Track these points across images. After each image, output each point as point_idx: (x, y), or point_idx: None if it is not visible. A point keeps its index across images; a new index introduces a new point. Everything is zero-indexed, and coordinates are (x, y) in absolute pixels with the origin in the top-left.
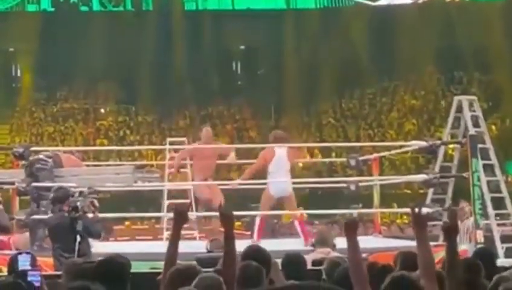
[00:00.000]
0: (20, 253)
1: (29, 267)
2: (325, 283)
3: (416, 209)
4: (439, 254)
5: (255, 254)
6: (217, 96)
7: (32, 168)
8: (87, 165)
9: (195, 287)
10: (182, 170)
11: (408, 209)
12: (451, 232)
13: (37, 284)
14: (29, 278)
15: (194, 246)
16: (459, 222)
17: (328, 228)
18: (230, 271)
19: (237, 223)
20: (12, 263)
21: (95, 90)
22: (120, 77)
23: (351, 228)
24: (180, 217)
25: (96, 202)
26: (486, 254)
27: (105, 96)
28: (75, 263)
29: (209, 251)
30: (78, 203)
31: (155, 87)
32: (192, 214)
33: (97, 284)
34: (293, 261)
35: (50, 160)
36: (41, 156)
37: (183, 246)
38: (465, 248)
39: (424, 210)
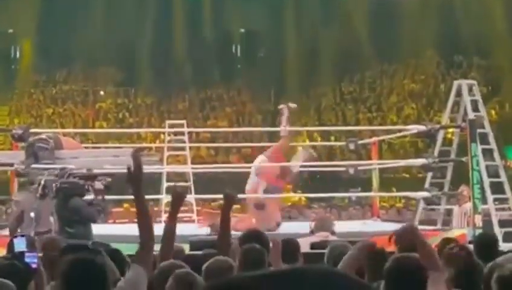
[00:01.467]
0: (15, 236)
1: (25, 249)
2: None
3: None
4: (437, 239)
5: (254, 237)
6: (216, 79)
7: (33, 147)
8: (86, 148)
9: (208, 269)
10: (181, 152)
11: (407, 193)
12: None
13: (34, 265)
14: (26, 260)
15: (191, 229)
16: (457, 206)
17: (326, 214)
18: (225, 253)
19: (237, 206)
20: (9, 246)
21: (95, 73)
22: (119, 59)
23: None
24: (177, 199)
25: (99, 185)
26: (488, 240)
27: (104, 79)
28: (53, 240)
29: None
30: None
31: (154, 70)
32: (191, 197)
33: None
34: (288, 247)
35: (51, 140)
36: (43, 136)
37: (181, 229)
38: (464, 232)
39: (423, 194)
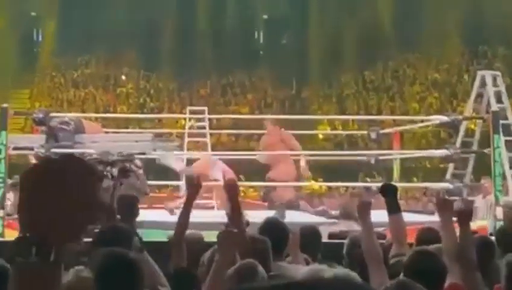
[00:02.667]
0: None
1: None
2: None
3: (441, 195)
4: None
5: (273, 226)
6: (238, 65)
7: (53, 131)
8: (107, 132)
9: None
10: (202, 139)
11: (428, 184)
12: (464, 218)
13: None
14: None
15: (211, 215)
16: (480, 197)
17: (352, 201)
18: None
19: (255, 194)
20: None
21: (116, 57)
22: (142, 43)
23: (363, 209)
24: (192, 188)
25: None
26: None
27: (126, 63)
28: None
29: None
30: None
31: (176, 55)
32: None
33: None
34: (308, 235)
35: (72, 123)
36: (64, 120)
37: (201, 215)
38: (486, 223)
39: (444, 185)
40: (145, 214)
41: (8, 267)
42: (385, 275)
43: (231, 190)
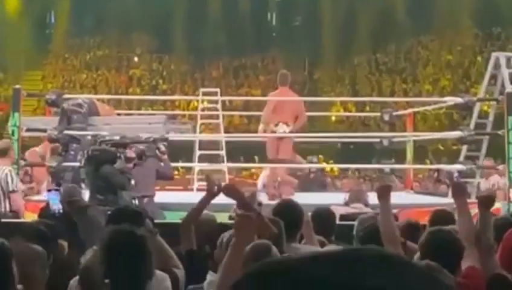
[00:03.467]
0: (50, 190)
1: (59, 205)
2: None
3: (455, 179)
4: (473, 210)
5: (287, 208)
6: (251, 47)
7: (66, 113)
8: (119, 114)
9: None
10: (214, 121)
11: (441, 166)
12: (486, 203)
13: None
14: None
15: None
16: (483, 180)
17: (360, 185)
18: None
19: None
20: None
21: (129, 38)
22: (154, 25)
23: (384, 192)
24: (210, 193)
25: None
26: None
27: (138, 45)
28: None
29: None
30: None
31: (189, 37)
32: (223, 166)
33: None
34: (323, 216)
35: (85, 105)
36: (77, 101)
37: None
38: (499, 206)
39: (458, 167)
40: (158, 196)
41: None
42: None
43: (229, 192)
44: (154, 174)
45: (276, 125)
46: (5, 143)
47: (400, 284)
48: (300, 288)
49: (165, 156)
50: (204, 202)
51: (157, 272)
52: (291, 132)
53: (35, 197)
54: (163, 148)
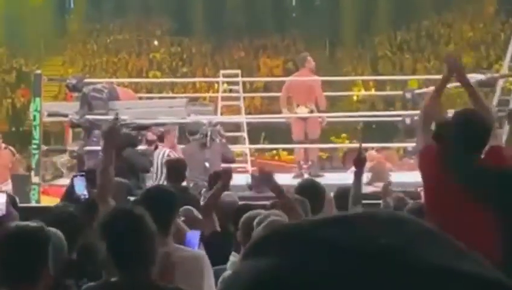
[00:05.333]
0: (75, 175)
1: (84, 191)
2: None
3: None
4: None
5: (309, 188)
6: (271, 28)
7: (87, 98)
8: (140, 98)
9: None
10: (235, 103)
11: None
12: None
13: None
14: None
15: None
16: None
17: (382, 164)
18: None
19: (290, 157)
20: (69, 187)
21: (148, 22)
22: (174, 8)
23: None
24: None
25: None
26: None
27: (158, 28)
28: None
29: (249, 187)
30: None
31: (209, 19)
32: (245, 147)
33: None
34: (345, 195)
35: (106, 90)
36: (97, 86)
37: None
38: None
39: None
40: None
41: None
42: None
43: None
44: (220, 157)
45: (297, 106)
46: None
47: (416, 243)
48: (315, 248)
49: (224, 140)
50: (224, 185)
51: (192, 251)
52: (312, 112)
53: (59, 182)
54: (222, 131)
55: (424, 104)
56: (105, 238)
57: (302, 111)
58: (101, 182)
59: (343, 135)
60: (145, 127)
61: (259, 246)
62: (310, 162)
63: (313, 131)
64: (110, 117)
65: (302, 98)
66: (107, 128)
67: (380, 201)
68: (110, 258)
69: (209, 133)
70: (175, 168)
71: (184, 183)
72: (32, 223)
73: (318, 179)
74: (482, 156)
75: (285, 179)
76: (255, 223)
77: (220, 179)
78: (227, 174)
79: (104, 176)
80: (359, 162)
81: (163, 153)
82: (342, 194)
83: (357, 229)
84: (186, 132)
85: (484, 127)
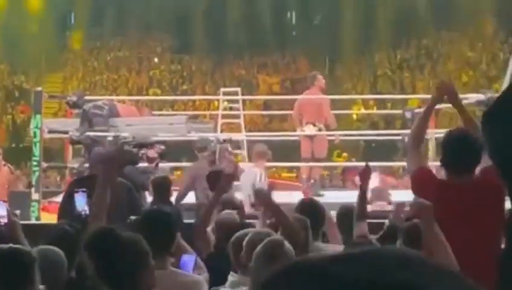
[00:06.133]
0: (76, 191)
1: (85, 207)
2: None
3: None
4: None
5: (309, 206)
6: (271, 46)
7: (87, 114)
8: (141, 115)
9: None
10: (235, 120)
11: None
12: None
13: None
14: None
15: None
16: None
17: (383, 182)
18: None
19: (290, 175)
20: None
21: (149, 39)
22: (174, 25)
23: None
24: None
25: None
26: None
27: (158, 45)
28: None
29: (252, 204)
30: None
31: (209, 37)
32: (245, 165)
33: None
34: (347, 214)
35: (106, 107)
36: (97, 103)
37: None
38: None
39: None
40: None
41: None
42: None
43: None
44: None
45: (306, 125)
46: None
47: (427, 278)
48: (329, 288)
49: (232, 157)
50: (214, 202)
51: (191, 275)
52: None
53: (58, 199)
54: (230, 148)
55: (413, 126)
56: (90, 258)
57: (310, 129)
58: (97, 203)
59: (339, 152)
60: (146, 145)
61: (270, 285)
62: (312, 181)
63: (319, 150)
64: (111, 134)
65: (311, 116)
66: (112, 153)
67: (383, 220)
68: (97, 277)
69: (217, 151)
70: (161, 186)
71: (172, 200)
72: (18, 246)
73: (318, 198)
74: (477, 176)
75: (286, 197)
76: (244, 243)
77: (219, 182)
78: (228, 179)
79: (100, 199)
80: (365, 174)
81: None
82: (345, 212)
83: (370, 266)
84: (194, 149)
85: (474, 148)
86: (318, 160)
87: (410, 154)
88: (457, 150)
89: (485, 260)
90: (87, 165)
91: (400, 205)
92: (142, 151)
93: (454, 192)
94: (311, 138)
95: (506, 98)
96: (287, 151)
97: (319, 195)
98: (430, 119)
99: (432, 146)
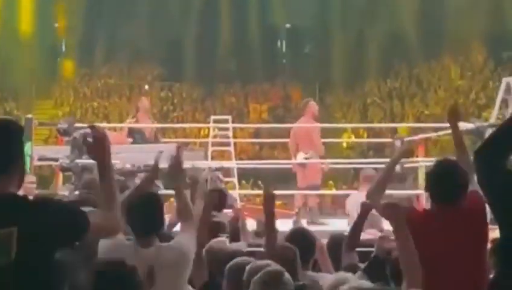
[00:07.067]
0: None
1: None
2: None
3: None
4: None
5: (300, 235)
6: (261, 74)
7: (78, 141)
8: (132, 143)
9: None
10: (226, 148)
11: None
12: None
13: None
14: None
15: None
16: None
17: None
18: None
19: (279, 202)
20: None
21: (139, 67)
22: (164, 53)
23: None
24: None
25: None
26: None
27: (149, 73)
28: None
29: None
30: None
31: (199, 64)
32: (235, 193)
33: None
34: (338, 242)
35: None
36: (88, 130)
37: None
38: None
39: None
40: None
41: None
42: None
43: (268, 202)
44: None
45: (298, 153)
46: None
47: None
48: None
49: (223, 185)
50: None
51: (179, 248)
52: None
53: None
54: (221, 176)
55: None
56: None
57: (300, 157)
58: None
59: (330, 181)
60: (134, 173)
61: None
62: (308, 209)
63: (312, 177)
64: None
65: (302, 144)
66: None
67: (370, 249)
68: None
69: (209, 179)
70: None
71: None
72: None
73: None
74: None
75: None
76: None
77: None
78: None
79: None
80: (268, 201)
81: None
82: (335, 241)
83: None
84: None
85: (458, 179)
86: (314, 187)
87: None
88: (440, 180)
89: (470, 286)
90: (77, 192)
91: (382, 238)
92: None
93: (439, 221)
94: (304, 166)
95: (494, 139)
96: (277, 179)
97: (321, 223)
98: (419, 149)
99: (421, 174)
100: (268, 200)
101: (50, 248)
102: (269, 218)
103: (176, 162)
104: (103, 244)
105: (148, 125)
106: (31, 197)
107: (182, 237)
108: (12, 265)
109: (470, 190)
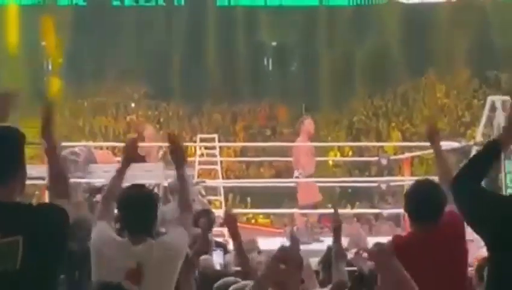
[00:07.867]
0: None
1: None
2: None
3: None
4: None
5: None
6: (248, 92)
7: (64, 160)
8: (119, 161)
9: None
10: (212, 167)
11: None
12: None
13: None
14: None
15: None
16: None
17: (358, 229)
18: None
19: (266, 221)
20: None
21: (126, 85)
22: (151, 72)
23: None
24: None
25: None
26: None
27: (136, 91)
28: None
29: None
30: None
31: (186, 83)
32: (220, 211)
33: None
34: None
35: (83, 153)
36: (74, 149)
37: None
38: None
39: None
40: None
41: None
42: None
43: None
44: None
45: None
46: None
47: None
48: None
49: (205, 200)
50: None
51: (170, 243)
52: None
53: None
54: (203, 191)
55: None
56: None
57: (295, 175)
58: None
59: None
60: (101, 189)
61: None
62: (295, 228)
63: (312, 195)
64: (84, 181)
65: (294, 163)
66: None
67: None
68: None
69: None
70: None
71: None
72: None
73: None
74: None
75: (265, 244)
76: None
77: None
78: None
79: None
80: (229, 222)
81: None
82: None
83: None
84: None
85: (436, 200)
86: (314, 206)
87: None
88: (418, 199)
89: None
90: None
91: (356, 254)
92: (95, 198)
93: (419, 240)
94: (299, 185)
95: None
96: (264, 197)
97: (319, 241)
98: (404, 167)
99: None
100: (229, 221)
101: (55, 253)
102: (235, 238)
103: (175, 147)
104: (95, 241)
105: (138, 144)
106: (34, 204)
107: (175, 230)
108: (18, 273)
109: (447, 209)
